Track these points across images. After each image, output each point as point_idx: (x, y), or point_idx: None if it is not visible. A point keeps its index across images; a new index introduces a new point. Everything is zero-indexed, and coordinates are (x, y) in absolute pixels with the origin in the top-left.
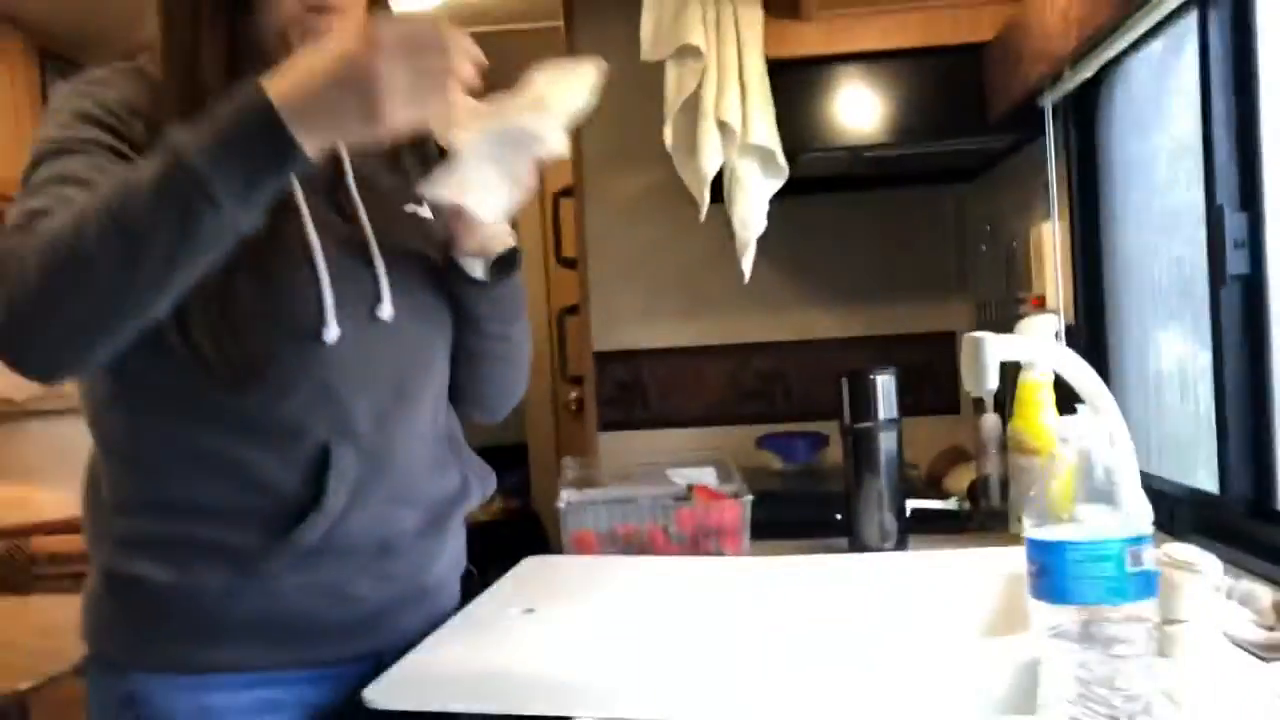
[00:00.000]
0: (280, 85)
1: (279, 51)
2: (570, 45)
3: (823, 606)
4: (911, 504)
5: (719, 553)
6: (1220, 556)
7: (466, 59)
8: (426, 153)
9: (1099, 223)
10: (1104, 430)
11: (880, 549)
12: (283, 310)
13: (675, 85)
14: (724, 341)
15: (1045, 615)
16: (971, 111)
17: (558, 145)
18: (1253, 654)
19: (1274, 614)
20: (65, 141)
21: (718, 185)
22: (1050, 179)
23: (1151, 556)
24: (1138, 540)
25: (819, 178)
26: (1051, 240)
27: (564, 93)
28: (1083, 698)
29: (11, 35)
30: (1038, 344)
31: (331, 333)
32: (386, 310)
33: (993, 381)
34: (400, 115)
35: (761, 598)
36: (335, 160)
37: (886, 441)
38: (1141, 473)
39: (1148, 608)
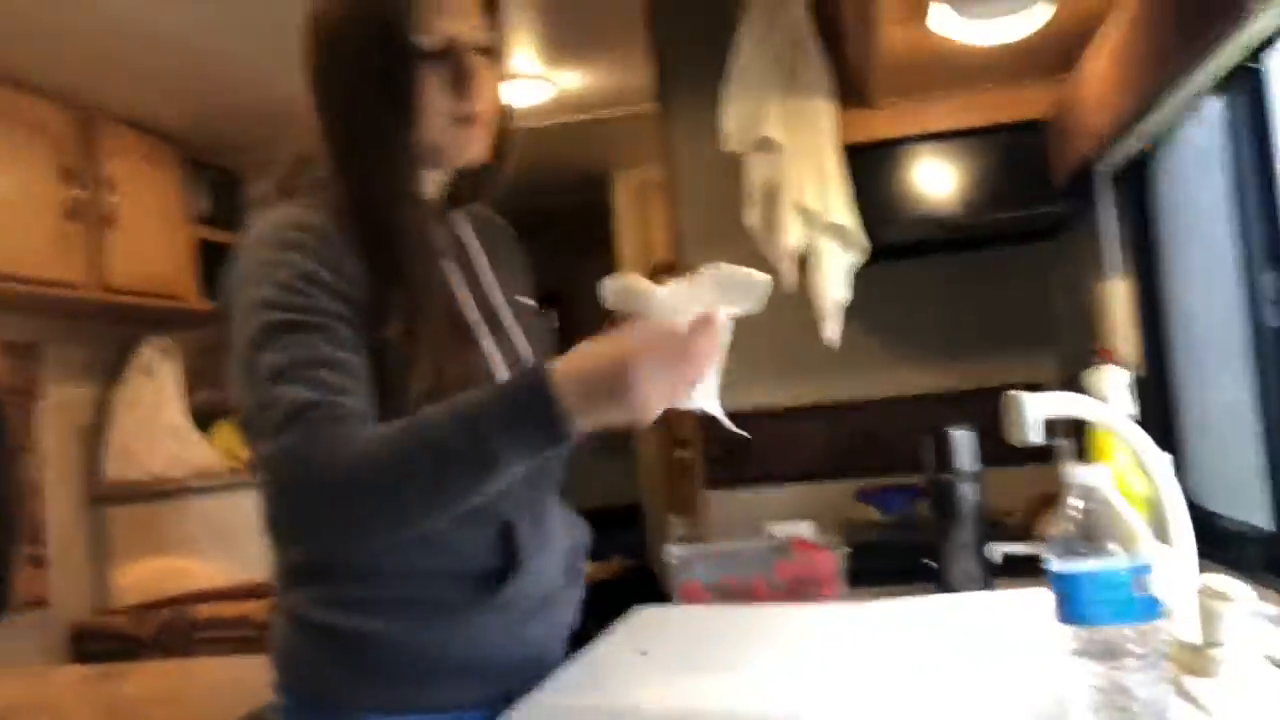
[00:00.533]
0: (562, 384)
1: (432, 158)
2: (663, 129)
3: (905, 643)
4: (998, 549)
5: (816, 600)
6: (1267, 586)
7: (707, 359)
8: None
9: (1159, 279)
10: (1106, 478)
11: (958, 589)
12: None
13: (756, 173)
14: (820, 401)
15: (1069, 637)
16: (1036, 181)
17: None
18: None
19: None
20: (300, 311)
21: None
22: (1107, 241)
23: (1152, 583)
24: (1141, 570)
25: (904, 244)
26: (1117, 296)
27: (737, 297)
28: (1103, 705)
29: (161, 145)
30: (1074, 399)
31: None
32: None
33: (1035, 435)
34: (653, 409)
35: (850, 637)
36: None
37: (968, 492)
38: (1210, 512)
39: (1156, 627)
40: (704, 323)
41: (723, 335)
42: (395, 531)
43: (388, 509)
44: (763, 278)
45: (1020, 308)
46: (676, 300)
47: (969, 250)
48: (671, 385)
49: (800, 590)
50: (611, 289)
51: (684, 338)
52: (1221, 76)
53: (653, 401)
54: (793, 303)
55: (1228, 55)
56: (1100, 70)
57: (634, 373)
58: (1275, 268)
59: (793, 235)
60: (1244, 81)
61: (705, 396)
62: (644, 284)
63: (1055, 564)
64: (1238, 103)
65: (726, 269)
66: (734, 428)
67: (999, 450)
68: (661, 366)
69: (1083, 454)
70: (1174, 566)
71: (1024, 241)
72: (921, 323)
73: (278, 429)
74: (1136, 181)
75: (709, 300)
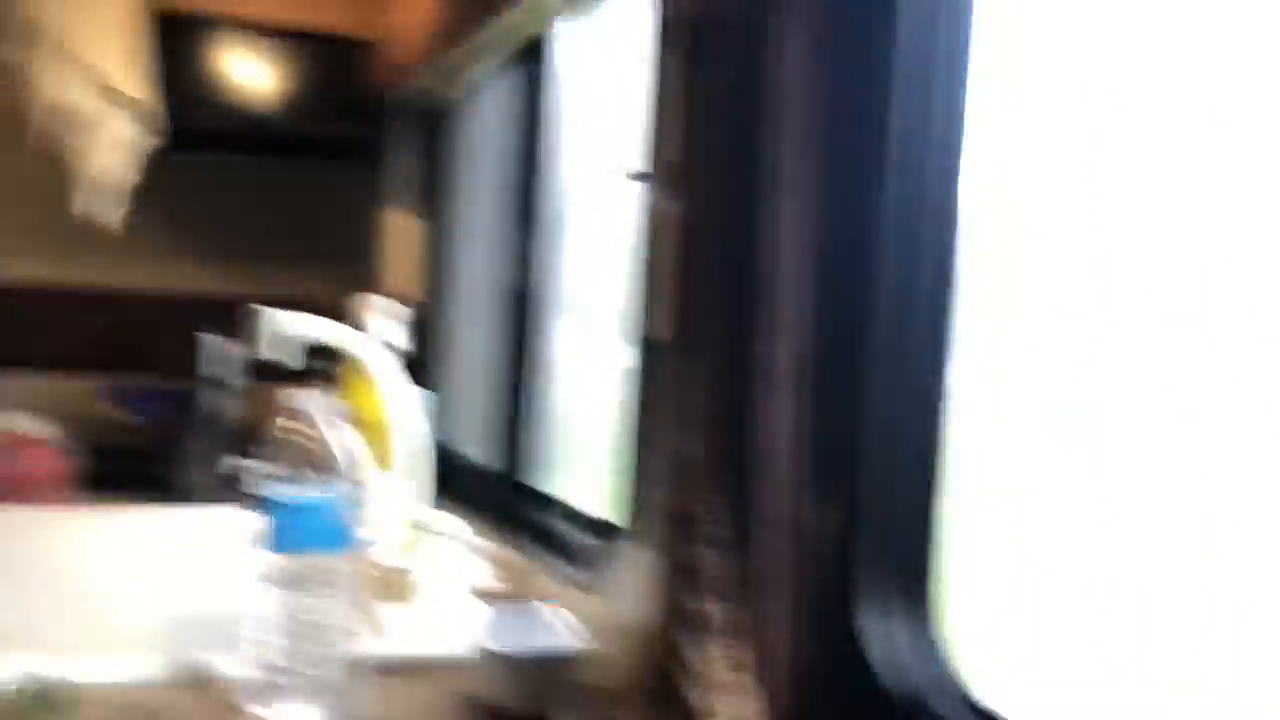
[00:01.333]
0: None
1: None
2: None
3: (106, 556)
4: (229, 463)
5: (37, 503)
6: (490, 524)
7: None
8: None
9: (448, 222)
10: (328, 405)
11: (198, 503)
12: None
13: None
14: (83, 284)
15: (263, 562)
16: (348, 99)
17: None
18: (484, 601)
19: (506, 571)
20: None
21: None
22: (403, 176)
23: (355, 514)
24: (341, 501)
25: (208, 135)
26: (401, 231)
27: None
28: (287, 631)
29: None
30: (325, 324)
31: None
32: None
33: (280, 353)
34: None
35: (48, 545)
36: None
37: (217, 403)
38: (459, 453)
39: (353, 556)
40: None
41: None
42: None
43: None
44: None
45: (321, 225)
46: None
47: (280, 156)
48: None
49: (16, 491)
50: None
51: None
52: (522, 44)
53: None
54: (63, 170)
55: (521, 26)
56: (414, 6)
57: None
58: (526, 231)
59: (55, 86)
60: (536, 52)
61: None
62: None
63: (255, 489)
64: (528, 70)
65: None
66: None
67: (272, 365)
68: None
69: (343, 379)
70: (393, 498)
71: (334, 158)
72: (215, 222)
73: None
74: (442, 125)
75: None
